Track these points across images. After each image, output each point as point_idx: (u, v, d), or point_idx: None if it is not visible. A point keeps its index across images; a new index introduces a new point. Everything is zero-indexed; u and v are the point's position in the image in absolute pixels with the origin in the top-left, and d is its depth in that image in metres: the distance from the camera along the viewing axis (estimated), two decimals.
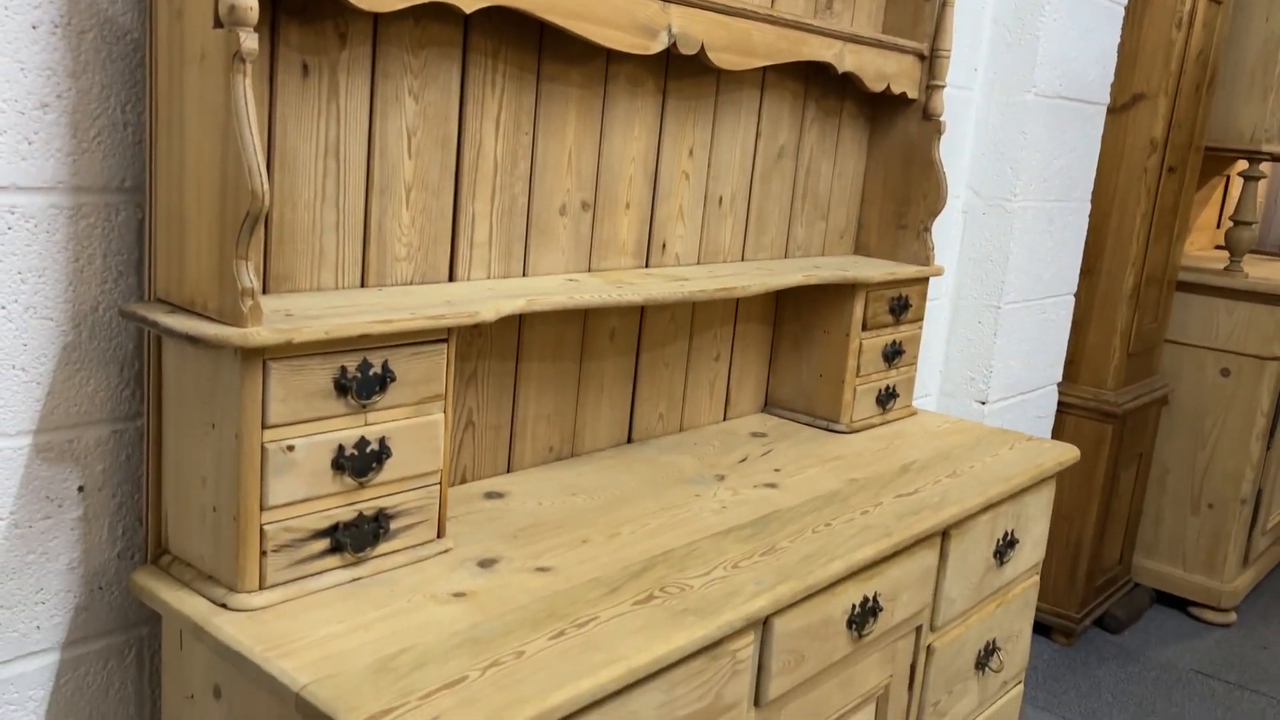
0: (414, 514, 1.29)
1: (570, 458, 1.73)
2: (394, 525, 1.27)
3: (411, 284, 1.43)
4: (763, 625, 1.34)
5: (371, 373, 1.20)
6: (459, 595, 1.22)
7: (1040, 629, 3.36)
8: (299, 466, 1.16)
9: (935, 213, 2.08)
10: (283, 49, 1.23)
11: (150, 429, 1.23)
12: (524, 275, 1.58)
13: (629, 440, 1.84)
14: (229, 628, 1.10)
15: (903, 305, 2.06)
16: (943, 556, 1.70)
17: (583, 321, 1.69)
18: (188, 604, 1.15)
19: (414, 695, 1.00)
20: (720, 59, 1.64)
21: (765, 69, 1.86)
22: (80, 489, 1.25)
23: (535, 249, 1.58)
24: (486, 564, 1.31)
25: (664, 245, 1.79)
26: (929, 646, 1.74)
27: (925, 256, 2.10)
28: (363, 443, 1.21)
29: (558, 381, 1.67)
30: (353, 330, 1.17)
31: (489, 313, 1.32)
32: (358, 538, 1.23)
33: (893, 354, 2.06)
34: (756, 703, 1.36)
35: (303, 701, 1.00)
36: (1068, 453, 2.00)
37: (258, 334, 1.09)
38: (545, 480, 1.61)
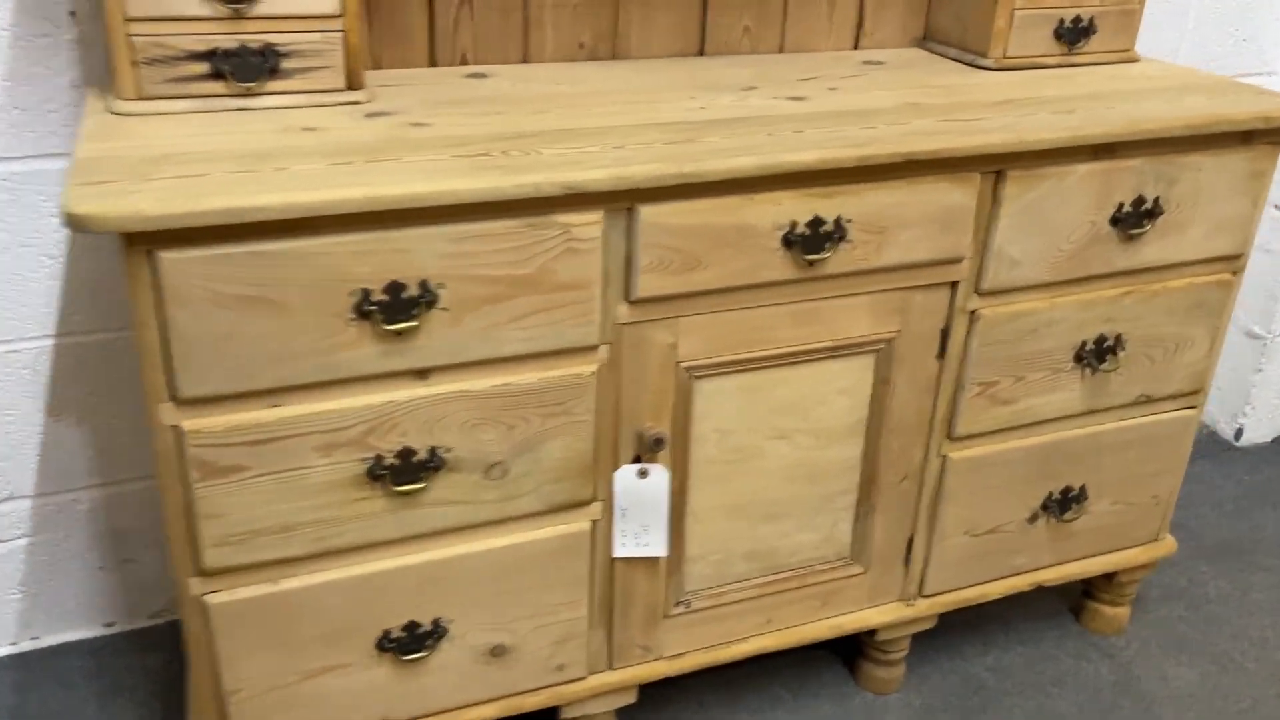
0: (310, 57, 1.31)
1: (610, 59, 1.62)
2: (285, 64, 1.30)
3: None
4: (628, 212, 1.21)
5: None
6: (310, 130, 1.24)
7: None
8: None
9: None
10: None
11: None
12: None
13: (701, 53, 1.67)
14: (91, 121, 1.24)
15: None
16: (995, 201, 1.38)
17: None
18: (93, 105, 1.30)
19: (148, 179, 1.07)
20: None
21: None
22: (72, 13, 1.44)
23: None
24: (376, 115, 1.31)
25: None
26: (973, 312, 1.45)
27: None
28: None
29: None
30: None
31: None
32: (241, 68, 1.29)
33: None
34: (627, 296, 1.26)
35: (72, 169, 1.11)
36: None
37: None
38: (553, 72, 1.54)
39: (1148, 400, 1.64)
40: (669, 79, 1.52)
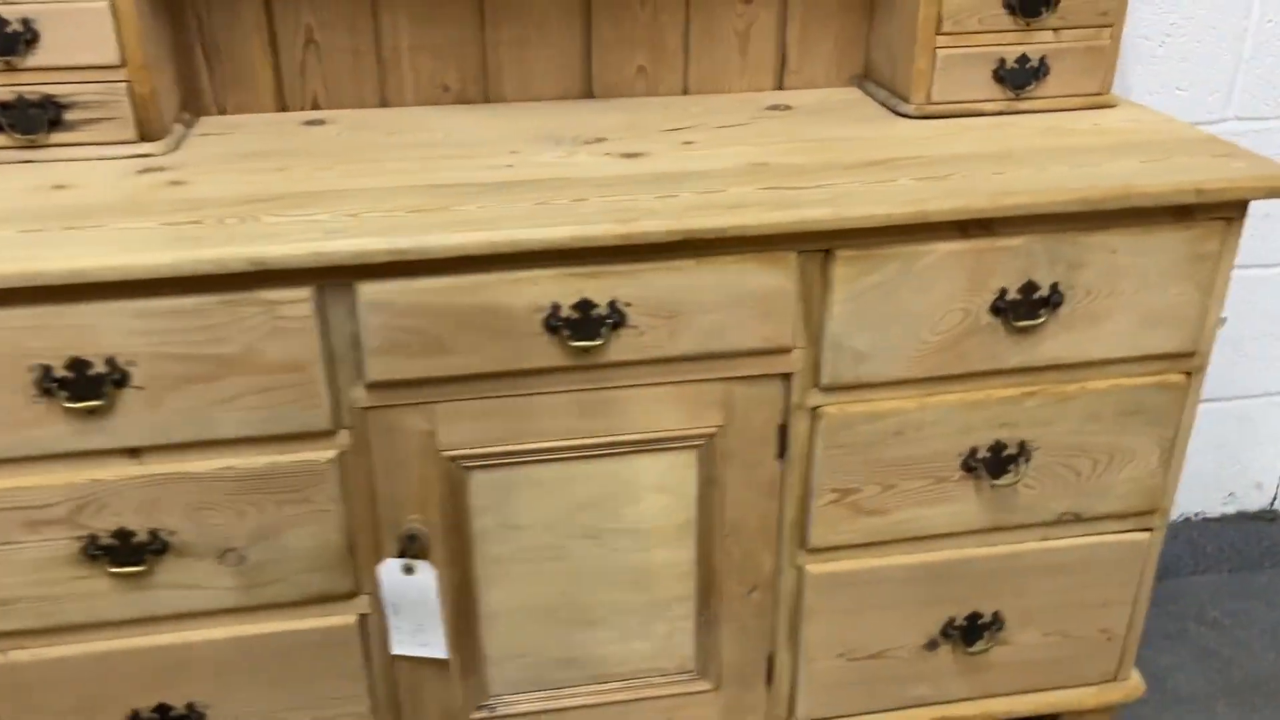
0: (95, 108, 1.26)
1: (482, 103, 1.49)
2: (68, 116, 1.26)
3: None
4: (348, 289, 1.09)
5: None
6: (61, 187, 1.19)
7: None
8: None
9: None
10: None
11: None
12: None
13: (589, 95, 1.51)
14: None
15: None
16: (826, 284, 1.16)
17: None
18: None
19: None
20: None
21: None
22: None
23: None
24: (147, 171, 1.24)
25: None
26: (815, 409, 1.23)
27: None
28: (1, 21, 1.21)
29: (443, 6, 1.43)
30: None
31: None
32: (21, 121, 1.25)
33: (1038, 2, 1.35)
34: (361, 379, 1.13)
35: None
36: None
37: None
38: (401, 119, 1.43)
39: (1077, 519, 1.35)
40: (517, 127, 1.38)
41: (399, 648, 1.28)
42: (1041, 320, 1.21)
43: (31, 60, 1.23)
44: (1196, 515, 2.06)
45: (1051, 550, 1.37)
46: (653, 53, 1.50)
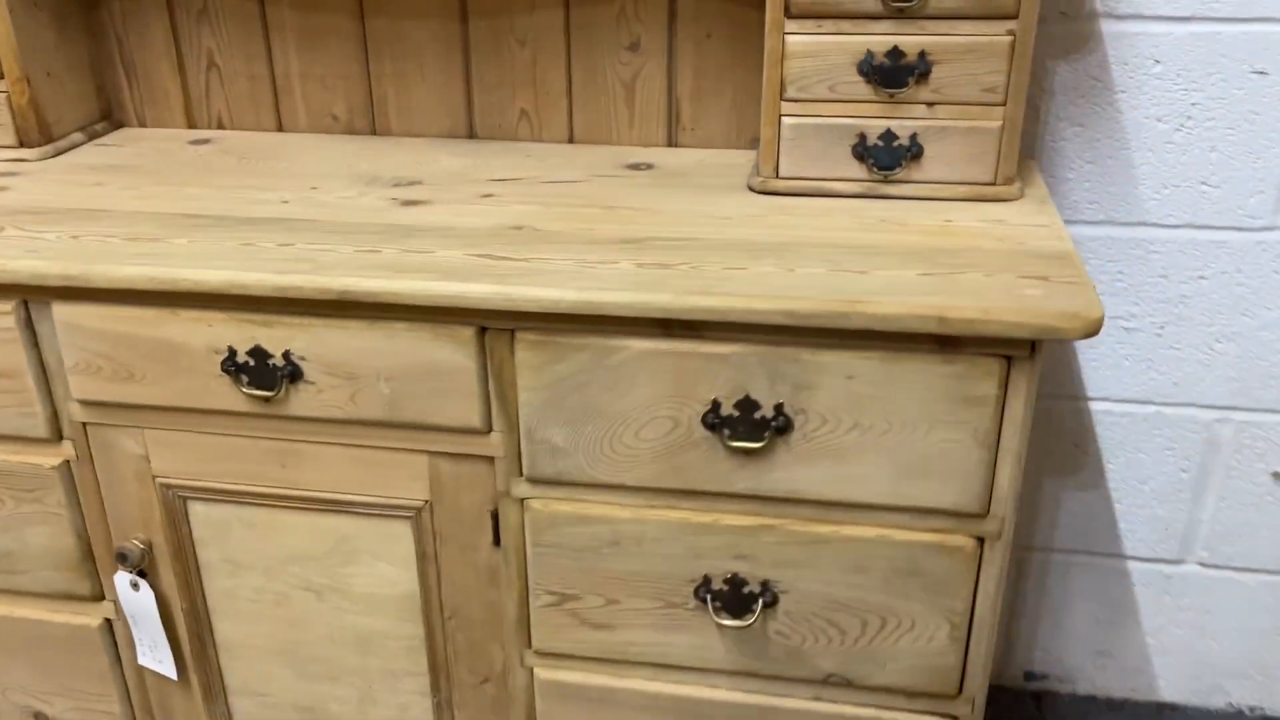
0: None
1: (369, 134, 1.48)
2: None
3: None
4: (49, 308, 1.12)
5: None
6: None
7: None
8: None
9: None
10: None
11: None
12: None
13: (471, 135, 1.46)
14: None
15: None
16: (514, 367, 1.05)
17: None
18: None
19: None
20: None
21: None
22: None
23: None
24: None
25: None
26: (523, 500, 1.12)
27: None
28: None
29: (327, 36, 1.43)
30: None
31: None
32: None
33: (901, 71, 1.15)
34: (71, 394, 1.16)
35: None
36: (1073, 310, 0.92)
37: None
38: (276, 145, 1.45)
39: (849, 685, 1.13)
40: (354, 163, 1.36)
41: (141, 659, 1.31)
42: (764, 444, 1.02)
43: None
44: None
45: (820, 715, 1.15)
46: (536, 98, 1.42)
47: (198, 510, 1.22)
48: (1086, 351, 1.50)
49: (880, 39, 1.15)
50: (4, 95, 1.38)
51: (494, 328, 1.04)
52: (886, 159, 1.19)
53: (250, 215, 1.19)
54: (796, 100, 1.18)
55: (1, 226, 1.17)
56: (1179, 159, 1.38)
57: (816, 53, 1.16)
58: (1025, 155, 1.39)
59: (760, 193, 1.23)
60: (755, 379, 1.00)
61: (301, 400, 1.11)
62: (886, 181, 1.20)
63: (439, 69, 1.43)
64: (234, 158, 1.40)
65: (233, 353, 1.10)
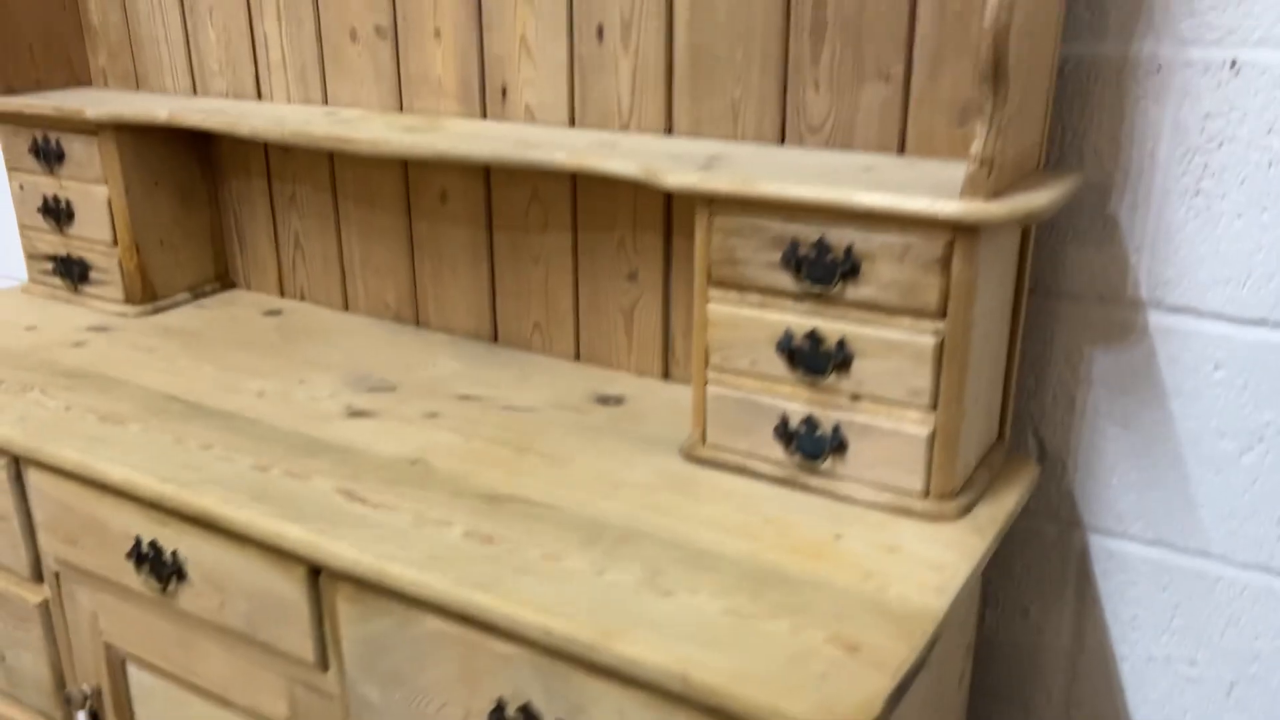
0: (104, 272, 1.60)
1: (414, 325, 1.54)
2: (93, 274, 1.61)
3: (226, 97, 1.60)
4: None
5: (51, 145, 1.57)
6: (32, 327, 1.55)
7: None
8: None
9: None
10: None
11: None
12: (324, 103, 1.50)
13: (495, 340, 1.47)
14: None
15: (848, 265, 0.99)
16: (335, 614, 1.03)
17: (403, 170, 1.46)
18: None
19: None
20: None
21: None
22: None
23: (333, 77, 1.48)
24: (94, 329, 1.54)
25: (503, 91, 1.34)
26: None
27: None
28: (55, 200, 1.61)
29: (383, 233, 1.51)
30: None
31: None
32: (64, 271, 1.64)
33: (820, 357, 1.03)
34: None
35: None
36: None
37: None
38: (329, 324, 1.55)
39: None
40: (364, 358, 1.42)
41: None
42: None
43: (71, 230, 1.61)
44: None
45: None
46: (547, 313, 1.41)
47: (133, 671, 1.30)
48: (1140, 705, 1.22)
49: (799, 320, 1.02)
50: (117, 259, 1.58)
51: (331, 575, 1.03)
52: (809, 446, 1.05)
53: (217, 406, 1.28)
54: (721, 370, 1.09)
55: (33, 386, 1.34)
56: (1250, 488, 1.10)
57: (737, 324, 1.06)
58: (1056, 452, 1.18)
59: (686, 458, 1.13)
60: (533, 689, 0.92)
61: (186, 597, 1.15)
62: (810, 472, 1.06)
63: (469, 273, 1.46)
64: (281, 334, 1.51)
65: (138, 542, 1.17)
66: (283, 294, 1.67)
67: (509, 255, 1.42)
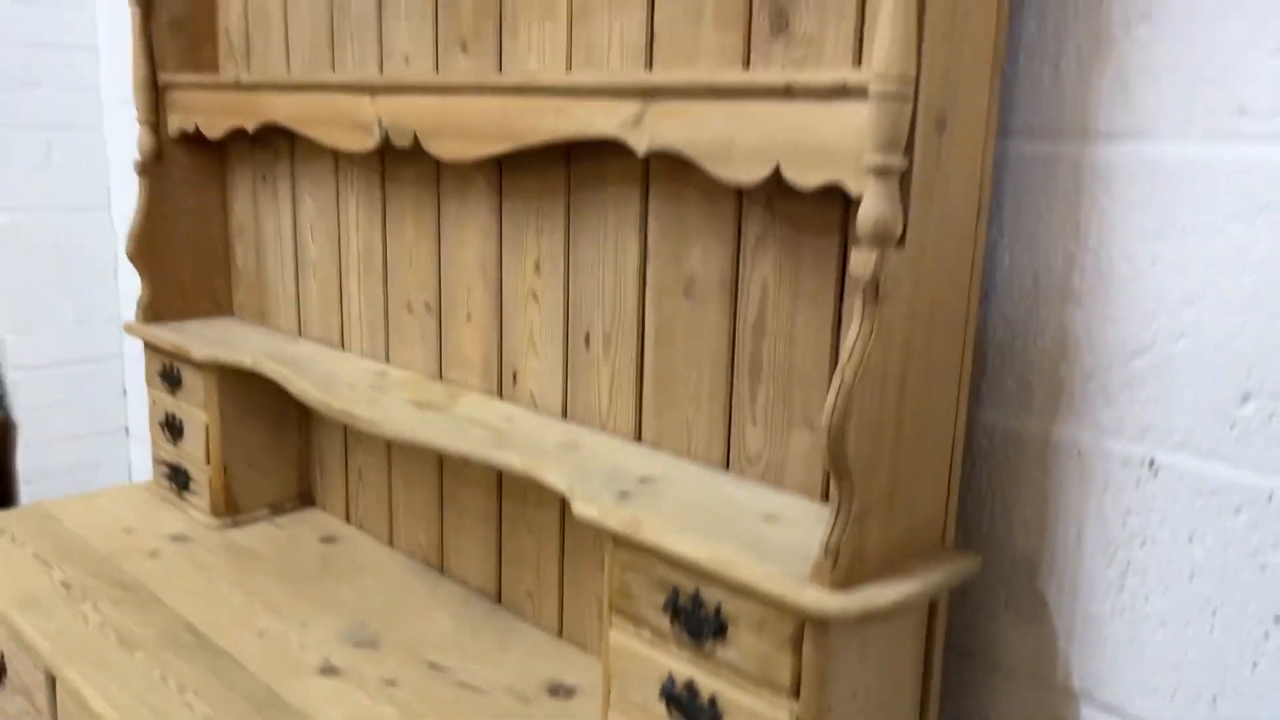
0: (198, 483, 1.80)
1: (440, 571, 1.63)
2: (193, 484, 1.82)
3: (319, 342, 1.78)
4: None
5: (173, 372, 1.81)
6: (127, 529, 1.75)
7: None
8: None
9: None
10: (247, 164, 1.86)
11: None
12: (386, 361, 1.65)
13: (498, 600, 1.53)
14: None
15: (717, 624, 1.00)
16: None
17: None
18: None
19: None
20: (442, 149, 1.34)
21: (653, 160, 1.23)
22: None
23: (394, 340, 1.63)
24: (177, 539, 1.73)
25: (515, 376, 1.44)
26: None
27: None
28: (173, 417, 1.83)
29: (421, 482, 1.63)
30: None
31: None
32: (174, 478, 1.85)
33: (696, 710, 1.02)
34: None
35: None
36: None
37: None
38: (371, 560, 1.66)
39: None
40: (370, 612, 1.51)
41: None
42: None
43: (181, 444, 1.83)
44: None
45: None
46: (538, 584, 1.46)
47: None
48: None
49: (680, 668, 1.02)
50: (206, 476, 1.78)
51: None
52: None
53: (219, 641, 1.40)
54: (620, 700, 1.09)
55: (89, 596, 1.52)
56: None
57: (634, 657, 1.07)
58: None
59: None
60: None
61: None
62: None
63: (482, 533, 1.54)
64: (323, 565, 1.64)
65: None
66: (348, 519, 1.81)
67: (512, 521, 1.49)
